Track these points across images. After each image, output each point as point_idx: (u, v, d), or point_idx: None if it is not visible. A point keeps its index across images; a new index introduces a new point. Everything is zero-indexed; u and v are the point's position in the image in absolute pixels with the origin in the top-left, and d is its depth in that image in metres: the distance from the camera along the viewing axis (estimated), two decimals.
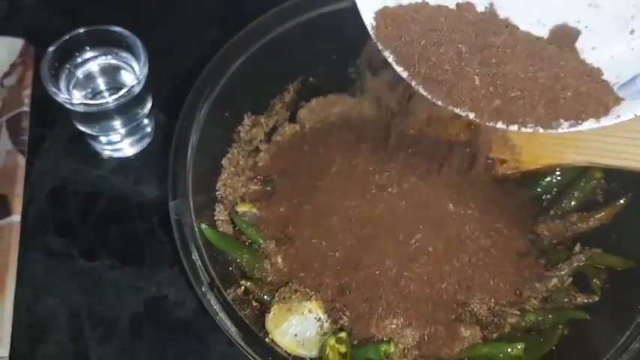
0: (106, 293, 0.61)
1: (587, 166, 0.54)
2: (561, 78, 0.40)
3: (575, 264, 0.51)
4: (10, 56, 0.71)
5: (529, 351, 0.48)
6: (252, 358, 0.42)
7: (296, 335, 0.47)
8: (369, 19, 0.43)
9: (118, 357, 0.58)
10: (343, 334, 0.45)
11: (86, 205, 0.66)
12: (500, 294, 0.49)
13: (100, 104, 0.60)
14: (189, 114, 0.49)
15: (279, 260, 0.51)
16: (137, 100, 0.62)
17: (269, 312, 0.48)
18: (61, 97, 0.59)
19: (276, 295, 0.49)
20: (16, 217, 0.61)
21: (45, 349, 0.58)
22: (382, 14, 0.43)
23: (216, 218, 0.52)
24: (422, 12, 0.42)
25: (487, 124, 0.41)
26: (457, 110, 0.40)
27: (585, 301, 0.51)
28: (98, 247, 0.64)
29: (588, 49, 0.44)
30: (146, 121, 0.67)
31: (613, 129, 0.50)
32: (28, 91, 0.68)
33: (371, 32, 0.43)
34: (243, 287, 0.50)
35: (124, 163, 0.69)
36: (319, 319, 0.47)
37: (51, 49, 0.59)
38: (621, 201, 0.53)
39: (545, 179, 0.56)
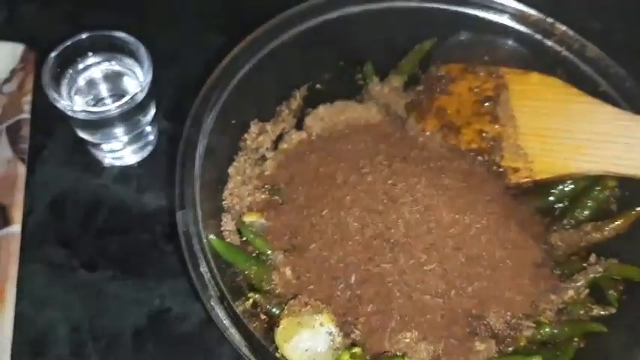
0: (107, 306, 0.60)
1: (601, 175, 0.53)
2: None
3: (591, 275, 0.50)
4: (10, 62, 0.69)
5: None
6: None
7: (307, 350, 0.45)
8: None
9: None
10: (358, 350, 0.44)
11: (87, 215, 0.64)
12: (516, 306, 0.48)
13: (102, 112, 0.58)
14: (196, 121, 0.48)
15: (288, 272, 0.49)
16: (140, 108, 0.61)
17: (278, 325, 0.47)
18: (62, 103, 0.58)
19: (286, 308, 0.48)
20: (16, 228, 0.60)
21: None
22: None
23: (223, 229, 0.51)
24: None
25: None
26: None
27: (602, 313, 0.50)
28: (99, 258, 0.62)
29: None
30: (149, 128, 0.66)
31: (628, 137, 0.50)
32: (28, 98, 0.67)
33: None
34: (251, 300, 0.49)
35: (125, 171, 0.67)
36: (331, 333, 0.46)
37: (53, 54, 0.57)
38: (636, 210, 0.52)
39: (558, 188, 0.55)
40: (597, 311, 0.50)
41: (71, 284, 0.61)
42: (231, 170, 0.54)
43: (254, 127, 0.56)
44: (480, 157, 0.55)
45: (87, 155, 0.67)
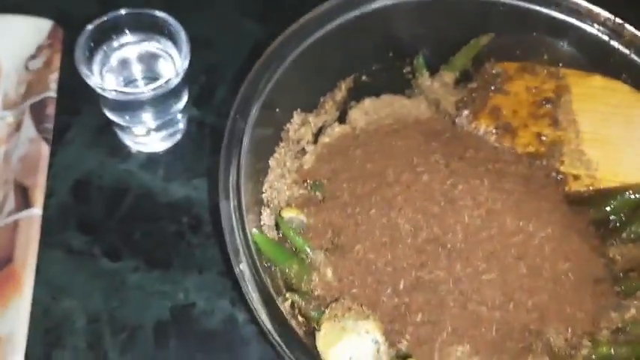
0: (129, 297, 0.57)
1: None
2: None
3: None
4: (37, 38, 0.66)
5: None
6: None
7: (351, 358, 0.42)
8: None
9: None
10: None
11: (111, 201, 0.61)
12: (577, 323, 0.44)
13: (134, 94, 0.55)
14: (242, 111, 0.45)
15: (329, 273, 0.46)
16: (173, 94, 0.58)
17: (319, 330, 0.43)
18: (94, 80, 0.54)
19: (327, 311, 0.44)
20: (37, 210, 0.56)
21: (61, 356, 0.53)
22: None
23: (262, 223, 0.47)
24: None
25: None
26: None
27: None
28: (123, 246, 0.59)
29: None
30: (179, 115, 0.62)
31: None
32: (55, 76, 0.63)
33: None
34: (289, 300, 0.45)
35: (153, 158, 0.64)
36: (376, 342, 0.42)
37: (89, 27, 0.54)
38: None
39: (617, 198, 0.52)
40: None
41: (92, 273, 0.57)
42: (272, 162, 0.51)
43: (297, 118, 0.53)
44: (537, 162, 0.51)
45: (113, 139, 0.64)
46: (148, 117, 0.60)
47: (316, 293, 0.46)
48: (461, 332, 0.42)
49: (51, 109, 0.62)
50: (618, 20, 0.53)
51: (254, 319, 0.44)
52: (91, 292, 0.57)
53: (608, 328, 0.46)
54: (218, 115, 0.67)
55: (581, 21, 0.53)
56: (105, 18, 0.55)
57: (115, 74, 0.59)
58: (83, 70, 0.54)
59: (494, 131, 0.53)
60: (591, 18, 0.53)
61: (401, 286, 0.44)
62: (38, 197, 0.57)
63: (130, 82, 0.61)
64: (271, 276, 0.45)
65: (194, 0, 0.75)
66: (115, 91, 0.55)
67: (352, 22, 0.54)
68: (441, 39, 0.57)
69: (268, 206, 0.49)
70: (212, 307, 0.57)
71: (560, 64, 0.55)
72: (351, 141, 0.54)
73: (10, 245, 0.55)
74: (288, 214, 0.49)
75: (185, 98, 0.61)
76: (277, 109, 0.50)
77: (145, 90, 0.55)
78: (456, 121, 0.55)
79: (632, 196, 0.51)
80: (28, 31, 0.67)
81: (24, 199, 0.57)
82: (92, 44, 0.55)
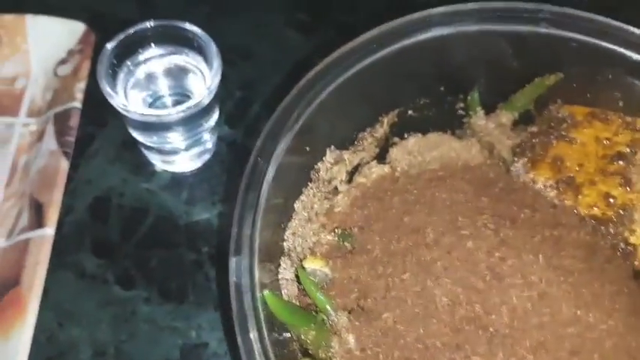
0: (138, 331, 0.53)
1: None
2: None
3: None
4: (68, 42, 0.63)
5: None
6: None
7: None
8: None
9: None
10: None
11: (130, 223, 0.58)
12: None
13: (161, 115, 0.51)
14: (266, 149, 0.40)
15: (352, 340, 0.41)
16: (203, 112, 0.53)
17: None
18: (117, 100, 0.50)
19: None
20: (49, 230, 0.53)
21: None
22: None
23: (280, 277, 0.42)
24: None
25: None
26: None
27: None
28: (137, 274, 0.55)
29: None
30: (208, 135, 0.58)
31: None
32: (82, 85, 0.60)
33: None
34: None
35: (178, 178, 0.60)
36: None
37: (112, 43, 0.50)
38: None
39: None
40: None
41: (102, 300, 0.54)
42: (297, 205, 0.45)
43: (329, 156, 0.47)
44: (603, 228, 0.44)
45: (138, 155, 0.60)
46: (175, 137, 0.55)
47: None
48: None
49: (75, 121, 0.58)
50: None
51: None
52: (100, 321, 0.53)
53: None
54: (251, 135, 0.62)
55: None
56: (130, 31, 0.51)
57: (140, 90, 0.55)
58: (106, 89, 0.50)
59: (554, 185, 0.46)
60: None
61: None
62: (52, 216, 0.54)
63: (156, 98, 0.56)
64: (285, 342, 0.40)
65: (235, 6, 0.71)
66: (140, 113, 0.51)
67: (402, 50, 0.47)
68: (500, 74, 0.51)
69: (289, 256, 0.44)
70: (225, 349, 0.52)
71: (639, 114, 0.48)
72: (389, 185, 0.48)
73: (18, 266, 0.52)
74: (311, 265, 0.44)
75: (216, 116, 0.56)
76: (308, 148, 0.45)
77: (172, 112, 0.51)
78: (511, 169, 0.48)
79: None
80: (61, 34, 0.64)
81: (37, 217, 0.54)
82: (115, 60, 0.51)
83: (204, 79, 0.54)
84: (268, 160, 0.39)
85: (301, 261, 0.44)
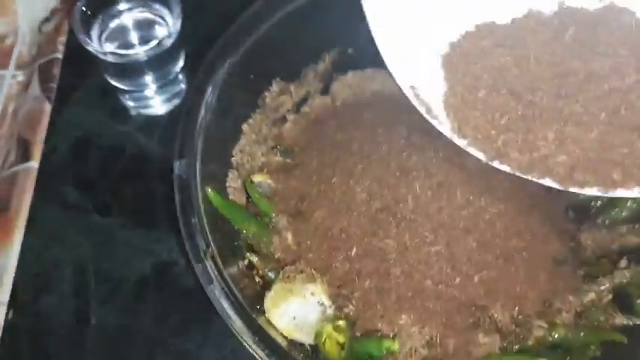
0: (115, 252, 0.59)
1: None
2: None
3: (617, 280, 0.45)
4: (50, 1, 0.70)
5: None
6: (242, 339, 0.39)
7: (294, 318, 0.43)
8: None
9: (119, 318, 0.56)
10: (342, 323, 0.41)
11: (107, 161, 0.64)
12: (526, 303, 0.44)
13: (131, 55, 0.57)
14: (208, 70, 0.46)
15: (289, 237, 0.47)
16: (169, 55, 0.60)
17: (270, 290, 0.45)
18: (92, 45, 0.57)
19: (281, 273, 0.45)
20: (34, 164, 0.60)
21: (47, 301, 0.57)
22: None
23: (227, 185, 0.49)
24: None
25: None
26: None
27: (625, 322, 0.45)
28: (114, 203, 0.62)
29: None
30: (179, 78, 0.64)
31: None
32: (63, 38, 0.67)
33: None
34: (247, 261, 0.47)
35: (151, 120, 0.66)
36: (322, 304, 0.43)
37: None
38: None
39: None
40: (620, 320, 0.45)
41: (82, 226, 0.60)
42: (245, 127, 0.52)
43: (275, 86, 0.54)
44: None
45: (115, 101, 0.66)
46: (147, 79, 0.62)
47: (276, 256, 0.47)
48: (405, 301, 0.43)
49: (57, 70, 0.65)
50: None
51: None
52: (80, 244, 0.59)
53: (568, 311, 0.46)
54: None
55: None
56: None
57: (113, 41, 0.62)
58: (81, 37, 0.56)
59: None
60: None
61: (352, 253, 0.44)
62: (36, 152, 0.60)
63: (128, 47, 0.63)
64: (231, 236, 0.46)
65: None
66: (112, 53, 0.57)
67: None
68: None
69: (237, 170, 0.50)
70: (193, 266, 0.59)
71: None
72: (330, 112, 0.54)
73: (7, 195, 0.59)
74: (258, 178, 0.51)
75: (182, 61, 0.63)
76: (251, 75, 0.51)
77: (140, 51, 0.57)
78: None
79: None
80: None
81: (23, 153, 0.61)
82: (89, 13, 0.57)
83: (168, 27, 0.61)
84: (208, 80, 0.46)
85: (250, 175, 0.51)
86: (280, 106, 0.54)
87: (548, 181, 0.40)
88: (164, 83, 0.63)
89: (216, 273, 0.40)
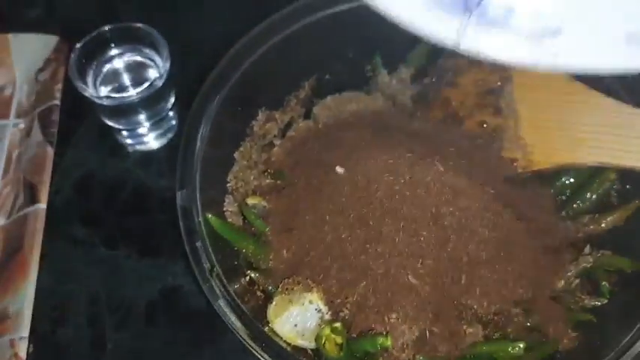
0: (124, 281, 0.63)
1: (601, 167, 0.53)
2: None
3: (582, 265, 0.50)
4: (45, 52, 0.74)
5: (532, 351, 0.47)
6: (250, 347, 0.43)
7: (296, 325, 0.47)
8: None
9: (133, 342, 0.60)
10: (338, 324, 0.46)
11: (110, 196, 0.68)
12: (504, 294, 0.48)
13: (124, 97, 0.62)
14: (201, 107, 0.51)
15: (284, 252, 0.52)
16: (160, 94, 0.64)
17: (271, 302, 0.49)
18: (88, 91, 0.62)
19: (280, 286, 0.50)
20: (42, 205, 0.64)
21: (65, 332, 0.61)
22: None
23: (225, 209, 0.54)
24: None
25: None
26: None
27: (593, 303, 0.50)
28: (119, 236, 0.66)
29: None
30: (170, 115, 0.69)
31: (628, 129, 0.50)
32: (59, 86, 0.71)
33: None
34: (248, 277, 0.51)
35: (147, 155, 0.71)
36: (319, 311, 0.48)
37: (78, 46, 0.62)
38: (635, 202, 0.52)
39: (560, 180, 0.56)
40: (588, 302, 0.50)
41: (92, 260, 0.64)
42: (237, 155, 0.57)
43: (262, 115, 0.59)
44: (479, 141, 0.55)
45: (113, 141, 0.71)
46: (141, 118, 0.66)
47: (274, 271, 0.52)
48: (395, 302, 0.47)
49: (56, 116, 0.70)
50: None
51: None
52: (91, 276, 0.64)
53: (542, 297, 0.50)
54: None
55: None
56: (92, 35, 0.62)
57: (108, 84, 0.66)
58: (78, 84, 0.61)
59: (442, 121, 0.58)
60: None
61: (344, 262, 0.49)
62: (43, 193, 0.65)
63: (122, 90, 0.68)
64: (232, 256, 0.51)
65: (192, 7, 0.81)
66: (108, 97, 0.62)
67: (314, 25, 0.58)
68: (399, 39, 0.62)
69: (232, 195, 0.55)
70: (197, 288, 0.62)
71: None
72: (313, 134, 0.59)
73: (20, 236, 0.63)
74: (252, 201, 0.55)
75: (173, 98, 0.68)
76: (239, 107, 0.56)
77: (133, 93, 0.62)
78: (411, 113, 0.60)
79: (572, 179, 0.55)
80: (38, 47, 0.75)
81: (31, 195, 0.65)
82: (84, 61, 0.62)
83: (158, 68, 0.66)
84: (201, 115, 0.50)
85: (244, 199, 0.55)
86: (267, 132, 0.59)
87: None
88: (157, 120, 0.67)
89: (222, 290, 0.45)
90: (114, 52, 0.65)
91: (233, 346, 0.59)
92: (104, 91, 0.66)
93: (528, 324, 0.49)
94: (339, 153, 0.54)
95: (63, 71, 0.72)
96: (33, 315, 0.60)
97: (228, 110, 0.54)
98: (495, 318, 0.48)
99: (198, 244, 0.46)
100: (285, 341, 0.47)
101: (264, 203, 0.55)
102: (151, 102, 0.64)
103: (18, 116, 0.72)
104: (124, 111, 0.65)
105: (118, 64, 0.66)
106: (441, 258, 0.48)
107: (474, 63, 0.60)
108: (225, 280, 0.45)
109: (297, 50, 0.59)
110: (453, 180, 0.49)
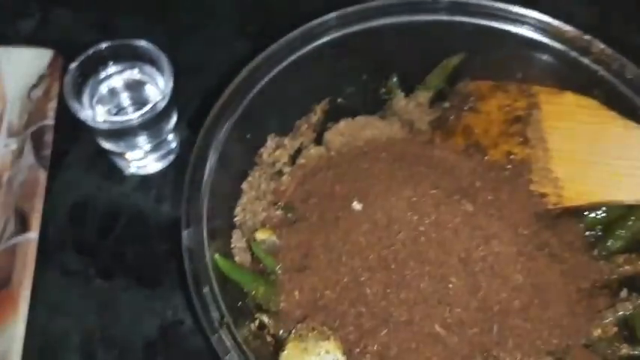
0: (120, 315, 0.59)
1: (636, 204, 0.49)
2: None
3: (620, 312, 0.46)
4: (39, 68, 0.70)
5: None
6: None
7: None
8: None
9: None
10: None
11: (106, 224, 0.64)
12: (539, 344, 0.44)
13: (124, 121, 0.58)
14: (208, 135, 0.47)
15: (296, 293, 0.48)
16: (162, 116, 0.60)
17: (283, 350, 0.45)
18: (84, 114, 0.58)
19: (293, 331, 0.46)
20: (33, 234, 0.60)
21: None
22: None
23: (233, 246, 0.50)
24: None
25: None
26: None
27: (631, 352, 0.46)
28: (115, 266, 0.62)
29: None
30: (171, 136, 0.65)
31: None
32: (53, 104, 0.67)
33: None
34: (257, 321, 0.47)
35: (146, 180, 0.67)
36: None
37: (73, 65, 0.57)
38: None
39: (590, 216, 0.52)
40: (626, 351, 0.46)
41: (86, 292, 0.60)
42: (244, 185, 0.53)
43: (271, 142, 0.55)
44: (506, 173, 0.52)
45: (109, 163, 0.67)
46: (140, 141, 0.62)
47: (285, 313, 0.48)
48: (419, 351, 0.43)
49: (49, 137, 0.65)
50: (587, 37, 0.53)
51: None
52: (85, 310, 0.59)
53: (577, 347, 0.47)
54: None
55: (550, 38, 0.54)
56: (88, 52, 0.58)
57: (105, 104, 0.62)
58: (73, 106, 0.57)
59: (465, 151, 0.54)
60: (559, 35, 0.53)
61: (364, 308, 0.45)
62: (35, 222, 0.60)
63: (120, 109, 0.64)
64: (239, 296, 0.47)
65: (192, 24, 0.78)
66: (106, 121, 0.58)
67: (327, 46, 0.55)
68: (415, 60, 0.58)
69: (241, 229, 0.51)
70: (199, 325, 0.59)
71: (534, 82, 0.55)
72: (325, 162, 0.55)
73: (8, 268, 0.58)
74: (262, 235, 0.51)
75: (174, 119, 0.63)
76: (248, 135, 0.52)
77: (133, 117, 0.58)
78: (430, 140, 0.56)
79: (605, 214, 0.52)
80: (32, 61, 0.70)
81: (22, 224, 0.60)
82: (80, 79, 0.58)
83: (159, 87, 0.61)
84: (210, 144, 0.46)
85: (253, 233, 0.51)
86: (277, 160, 0.55)
87: None
88: (157, 143, 0.63)
89: (232, 342, 0.41)
90: (112, 69, 0.61)
91: None
92: (101, 110, 0.62)
93: None
94: (355, 185, 0.50)
95: (57, 88, 0.67)
96: (22, 354, 0.56)
97: (238, 137, 0.50)
98: None
99: (206, 290, 0.42)
100: None
101: (274, 238, 0.51)
102: (152, 124, 0.60)
103: (9, 136, 0.68)
104: (123, 134, 0.61)
105: (116, 82, 0.62)
106: (471, 306, 0.44)
107: (498, 87, 0.56)
108: (234, 331, 0.41)
109: (308, 72, 0.55)
110: (483, 222, 0.45)
